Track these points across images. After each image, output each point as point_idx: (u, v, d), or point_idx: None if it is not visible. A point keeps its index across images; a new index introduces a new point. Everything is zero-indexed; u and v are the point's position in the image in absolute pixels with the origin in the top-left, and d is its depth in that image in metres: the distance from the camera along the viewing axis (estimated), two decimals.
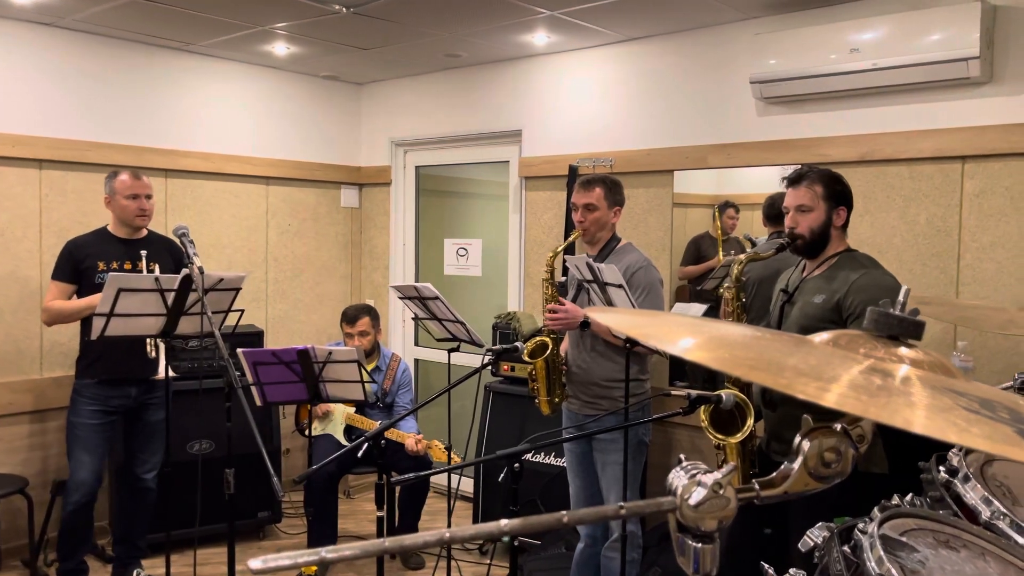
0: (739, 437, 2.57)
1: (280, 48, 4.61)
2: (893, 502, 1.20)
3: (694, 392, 2.53)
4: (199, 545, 4.05)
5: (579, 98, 4.52)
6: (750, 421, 2.55)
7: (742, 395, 2.58)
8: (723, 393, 2.56)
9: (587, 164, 4.40)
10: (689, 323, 0.84)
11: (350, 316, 4.24)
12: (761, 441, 2.78)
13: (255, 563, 0.58)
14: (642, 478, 3.55)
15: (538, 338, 3.25)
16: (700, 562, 0.66)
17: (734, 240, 4.43)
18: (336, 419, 4.19)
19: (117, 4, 3.82)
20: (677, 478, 0.68)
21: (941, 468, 1.33)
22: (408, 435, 3.94)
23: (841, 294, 2.52)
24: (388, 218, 5.55)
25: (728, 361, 0.66)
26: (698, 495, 0.66)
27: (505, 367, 4.36)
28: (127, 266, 3.67)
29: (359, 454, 2.68)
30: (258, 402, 3.52)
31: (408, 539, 0.62)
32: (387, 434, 3.98)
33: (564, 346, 3.40)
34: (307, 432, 3.62)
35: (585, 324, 3.17)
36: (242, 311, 3.25)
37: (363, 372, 3.42)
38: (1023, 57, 3.17)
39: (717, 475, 0.66)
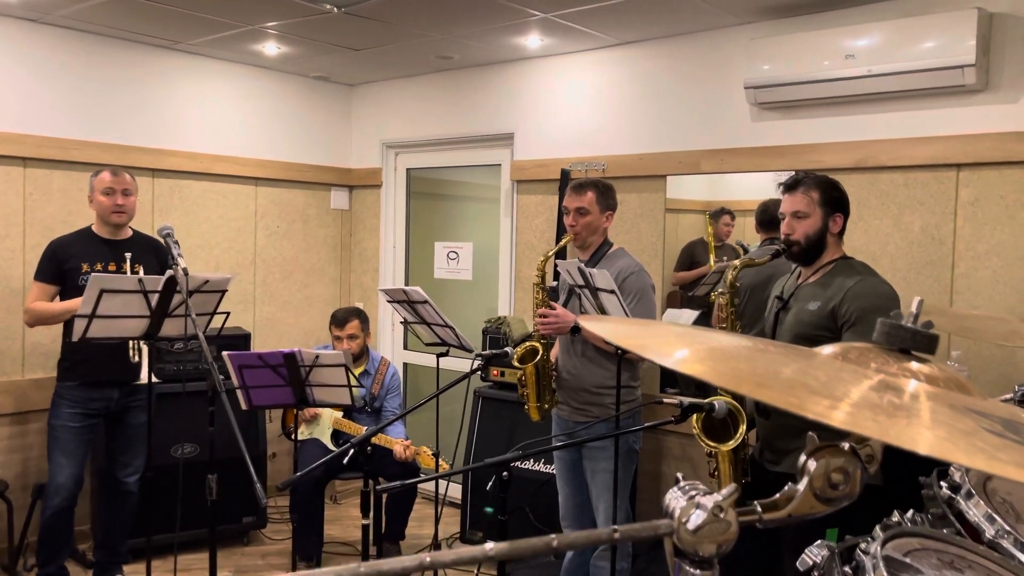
0: (731, 445, 2.53)
1: (270, 48, 4.56)
2: (894, 519, 1.16)
3: (686, 400, 2.50)
4: (181, 551, 3.99)
5: (572, 102, 4.49)
6: (742, 429, 2.52)
7: (735, 403, 2.54)
8: (716, 401, 2.52)
9: (579, 168, 4.36)
10: (686, 335, 0.80)
11: (339, 319, 4.18)
12: (754, 450, 2.74)
13: None
14: (632, 486, 3.51)
15: (528, 343, 3.21)
16: None
17: (728, 247, 4.40)
18: (323, 423, 4.13)
19: (104, 0, 3.77)
20: (674, 500, 0.64)
21: (943, 484, 1.29)
22: (396, 441, 3.89)
23: (836, 301, 2.48)
24: (378, 220, 5.50)
25: (730, 376, 0.61)
26: (697, 518, 0.61)
27: (495, 372, 4.31)
28: (111, 267, 3.60)
29: (345, 460, 2.62)
30: (243, 406, 3.46)
31: (386, 564, 0.58)
32: (375, 440, 3.92)
33: (554, 351, 3.36)
34: (293, 436, 3.56)
35: (576, 329, 3.13)
36: (228, 313, 3.19)
37: (351, 376, 3.37)
38: (1019, 65, 3.15)
39: (717, 497, 0.62)
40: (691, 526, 0.61)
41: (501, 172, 4.90)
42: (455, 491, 4.75)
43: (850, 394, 0.56)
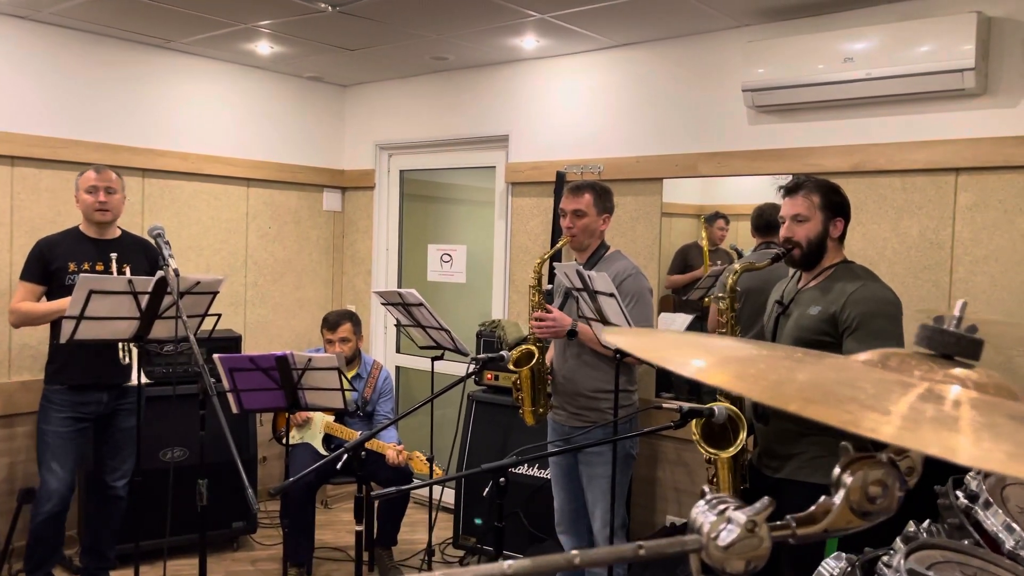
0: (731, 451, 2.50)
1: (263, 47, 4.51)
2: (910, 529, 1.13)
3: (686, 405, 2.47)
4: (170, 556, 3.93)
5: (568, 104, 4.46)
6: (742, 435, 2.49)
7: (734, 408, 2.52)
8: (715, 406, 2.50)
9: (575, 171, 4.33)
10: (710, 346, 0.76)
11: (331, 322, 4.13)
12: (752, 456, 2.71)
13: None
14: (628, 492, 3.48)
15: (524, 347, 3.17)
16: None
17: (721, 251, 4.38)
18: (315, 428, 4.08)
19: None
20: (702, 515, 0.60)
21: (959, 493, 1.26)
22: (388, 445, 3.84)
23: (837, 306, 2.46)
24: (371, 222, 5.45)
25: (775, 393, 0.58)
26: (729, 535, 0.58)
27: (489, 376, 4.27)
28: (99, 267, 3.54)
29: (339, 465, 2.58)
30: (234, 409, 3.40)
31: None
32: (367, 444, 3.88)
33: (549, 355, 3.33)
34: (284, 441, 3.51)
35: (572, 333, 3.10)
36: (219, 316, 3.14)
37: (343, 380, 3.32)
38: (1017, 69, 3.13)
39: (750, 512, 0.58)
40: (722, 542, 0.57)
41: (495, 174, 4.86)
42: (448, 496, 4.70)
43: (899, 406, 0.53)
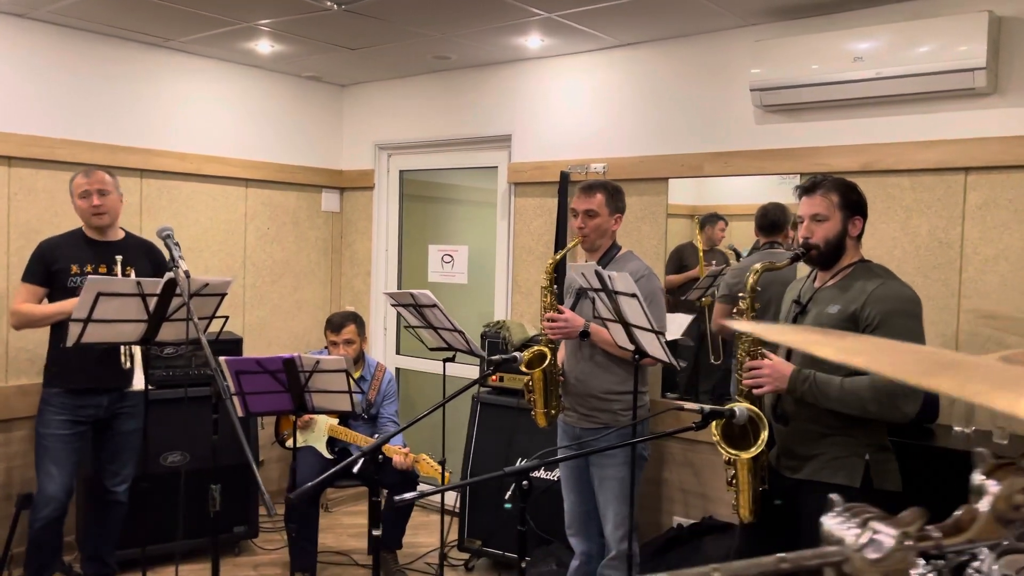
0: (753, 452, 2.48)
1: (264, 46, 4.46)
2: None
3: (707, 407, 2.45)
4: (172, 562, 3.87)
5: (572, 103, 4.43)
6: (764, 435, 2.47)
7: (755, 409, 2.50)
8: (736, 407, 2.48)
9: (579, 171, 4.31)
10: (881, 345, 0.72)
11: (335, 324, 4.08)
12: (770, 456, 2.69)
13: None
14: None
15: (536, 348, 3.14)
16: None
17: (717, 251, 4.37)
18: (318, 430, 4.03)
19: None
20: (841, 525, 0.58)
21: None
22: (395, 449, 3.80)
23: (858, 305, 2.44)
24: (371, 223, 5.40)
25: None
26: (880, 548, 0.55)
27: (493, 378, 4.24)
28: (102, 269, 3.49)
29: (356, 469, 2.54)
30: (240, 413, 3.35)
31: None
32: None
33: (560, 356, 3.30)
34: (293, 444, 3.46)
35: (585, 334, 3.08)
36: (226, 317, 3.10)
37: (351, 382, 3.28)
38: None
39: (901, 526, 0.56)
40: (873, 556, 0.55)
41: (497, 174, 4.83)
42: (449, 497, 4.66)
43: None
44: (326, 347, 4.37)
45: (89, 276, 3.01)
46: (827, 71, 3.42)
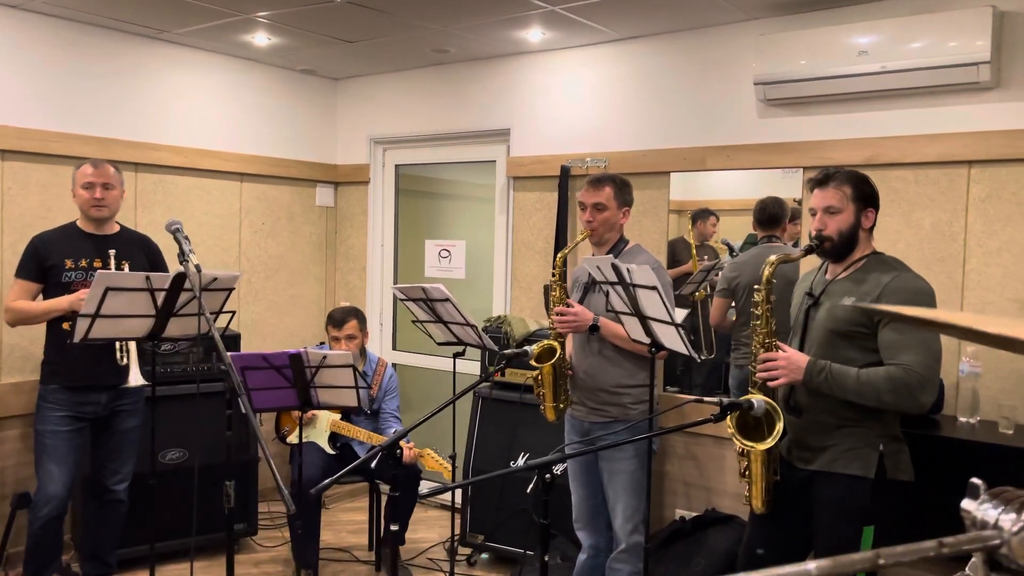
0: (768, 443, 2.49)
1: (261, 38, 4.41)
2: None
3: (726, 399, 2.46)
4: (168, 560, 3.84)
5: (572, 97, 4.43)
6: (779, 427, 2.47)
7: (771, 401, 2.51)
8: (753, 399, 2.48)
9: (580, 165, 4.31)
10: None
11: (337, 319, 4.05)
12: (781, 448, 2.70)
13: None
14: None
15: (546, 342, 3.13)
16: None
17: (708, 246, 4.39)
18: (320, 426, 4.00)
19: None
20: (993, 509, 0.57)
21: None
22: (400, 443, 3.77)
23: (873, 296, 2.46)
24: (366, 218, 5.37)
25: None
26: None
27: (495, 373, 4.22)
28: (97, 263, 3.43)
29: (373, 464, 2.52)
30: (244, 410, 3.32)
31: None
32: (377, 441, 3.82)
33: (568, 350, 3.30)
34: (299, 440, 3.43)
35: (594, 328, 3.07)
36: (233, 312, 3.06)
37: (358, 377, 3.26)
38: None
39: None
40: None
41: (496, 169, 4.81)
42: (448, 494, 4.66)
43: None
44: (322, 343, 4.34)
45: (98, 271, 2.95)
46: (831, 65, 3.44)
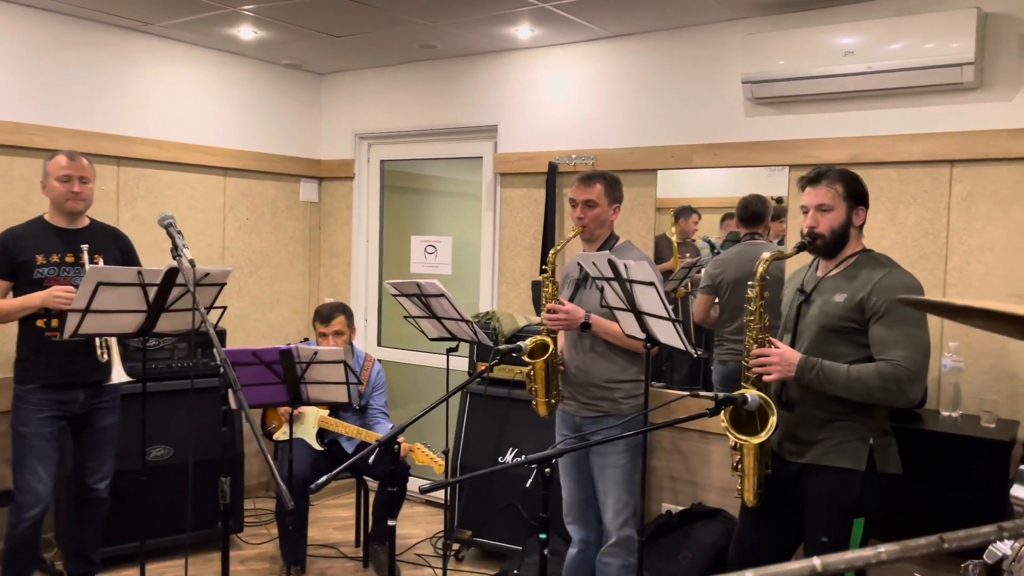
0: (762, 437, 2.52)
1: (246, 31, 4.37)
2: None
3: (720, 394, 2.49)
4: (151, 559, 3.81)
5: (560, 94, 4.44)
6: (773, 420, 2.51)
7: (764, 396, 2.54)
8: (747, 394, 2.52)
9: (567, 161, 4.32)
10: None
11: (324, 315, 4.04)
12: (772, 441, 2.74)
13: None
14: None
15: (538, 338, 3.15)
16: None
17: (690, 243, 4.43)
18: (308, 422, 3.99)
19: None
20: None
21: None
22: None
23: (864, 293, 2.50)
24: (350, 213, 5.35)
25: None
26: None
27: (482, 367, 4.23)
28: (68, 258, 3.36)
29: (371, 460, 2.52)
30: (233, 406, 3.29)
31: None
32: (366, 437, 3.81)
33: (560, 345, 3.31)
34: (289, 436, 3.42)
35: (586, 325, 3.09)
36: (224, 308, 3.04)
37: (349, 373, 3.25)
38: (1013, 63, 3.24)
39: None
40: None
41: (483, 165, 4.82)
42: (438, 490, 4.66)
43: None
44: (307, 339, 4.32)
45: (90, 266, 2.92)
46: (818, 65, 3.49)
